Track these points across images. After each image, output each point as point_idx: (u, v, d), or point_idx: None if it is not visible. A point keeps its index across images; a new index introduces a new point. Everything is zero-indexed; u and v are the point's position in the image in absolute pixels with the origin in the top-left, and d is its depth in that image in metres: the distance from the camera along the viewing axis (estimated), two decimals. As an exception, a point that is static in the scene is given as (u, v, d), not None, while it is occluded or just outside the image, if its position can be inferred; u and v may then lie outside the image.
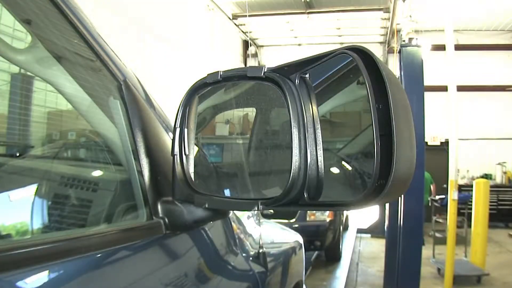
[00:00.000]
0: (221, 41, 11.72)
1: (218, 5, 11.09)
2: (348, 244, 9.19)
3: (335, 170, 0.79)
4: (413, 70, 4.60)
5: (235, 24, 12.46)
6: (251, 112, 0.96)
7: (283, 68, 0.73)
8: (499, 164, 12.62)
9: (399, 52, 4.82)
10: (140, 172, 0.99)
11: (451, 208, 5.51)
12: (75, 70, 1.03)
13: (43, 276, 0.68)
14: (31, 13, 0.96)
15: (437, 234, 7.81)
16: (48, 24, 0.98)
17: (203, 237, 1.19)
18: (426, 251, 6.86)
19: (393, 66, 10.15)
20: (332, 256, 7.75)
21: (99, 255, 0.80)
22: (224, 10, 11.53)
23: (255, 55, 14.25)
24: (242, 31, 13.00)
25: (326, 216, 6.94)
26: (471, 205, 7.31)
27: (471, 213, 7.30)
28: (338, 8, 11.29)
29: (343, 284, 6.47)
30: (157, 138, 1.06)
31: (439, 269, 6.81)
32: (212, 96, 0.92)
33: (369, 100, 0.62)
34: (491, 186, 9.52)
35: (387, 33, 12.53)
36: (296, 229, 3.00)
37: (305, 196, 0.70)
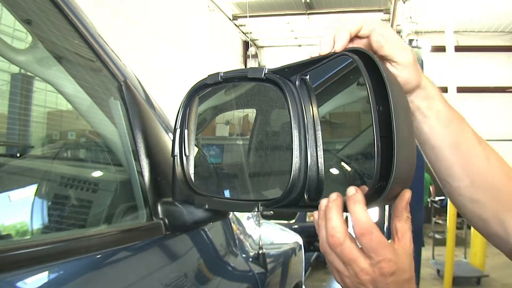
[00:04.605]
0: (221, 41, 11.73)
1: (218, 5, 11.09)
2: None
3: (335, 171, 0.79)
4: (413, 71, 4.59)
5: (235, 24, 12.47)
6: (251, 113, 0.96)
7: (284, 70, 0.73)
8: (499, 165, 12.61)
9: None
10: (140, 173, 0.99)
11: (451, 210, 5.50)
12: (76, 71, 1.03)
13: (43, 277, 0.68)
14: (32, 13, 0.96)
15: (437, 235, 7.81)
16: (48, 24, 0.98)
17: (203, 238, 1.19)
18: (426, 252, 6.86)
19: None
20: (331, 257, 7.73)
21: (99, 256, 0.80)
22: (224, 10, 11.54)
23: (255, 55, 14.26)
24: (242, 32, 13.00)
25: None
26: (471, 206, 7.29)
27: (470, 214, 7.28)
28: (338, 9, 11.31)
29: (343, 285, 6.46)
30: (157, 139, 1.06)
31: (438, 271, 6.81)
32: (212, 97, 0.91)
33: (369, 102, 0.62)
34: (491, 188, 9.51)
35: (387, 34, 12.51)
36: (295, 230, 2.99)
37: (305, 197, 0.70)
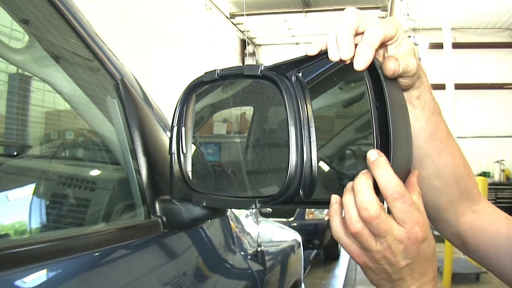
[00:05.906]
0: (219, 40, 11.72)
1: (215, 4, 11.08)
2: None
3: (326, 168, 0.80)
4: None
5: (232, 23, 12.45)
6: (248, 110, 0.96)
7: (280, 66, 0.73)
8: (497, 162, 12.63)
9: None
10: (138, 171, 0.99)
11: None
12: (73, 70, 1.03)
13: (41, 275, 0.68)
14: (29, 13, 0.96)
15: (436, 232, 7.82)
16: (45, 23, 0.98)
17: (201, 235, 1.19)
18: (425, 249, 6.85)
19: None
20: (330, 255, 7.75)
21: (97, 254, 0.81)
22: (221, 9, 11.52)
23: (253, 54, 14.25)
24: (240, 30, 12.99)
25: (324, 214, 6.94)
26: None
27: (469, 211, 7.28)
28: (335, 6, 11.28)
29: (342, 282, 6.48)
30: (154, 137, 1.06)
31: (438, 267, 6.83)
32: (209, 94, 0.92)
33: (368, 98, 0.63)
34: (489, 184, 9.52)
35: (385, 32, 12.51)
36: (294, 228, 3.00)
37: (301, 193, 0.71)
